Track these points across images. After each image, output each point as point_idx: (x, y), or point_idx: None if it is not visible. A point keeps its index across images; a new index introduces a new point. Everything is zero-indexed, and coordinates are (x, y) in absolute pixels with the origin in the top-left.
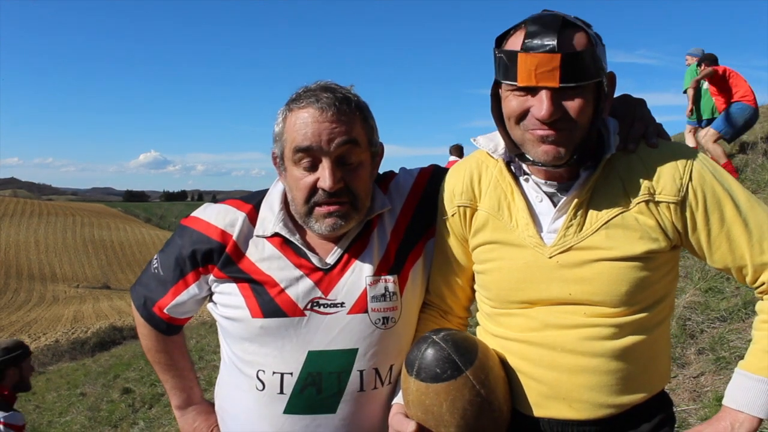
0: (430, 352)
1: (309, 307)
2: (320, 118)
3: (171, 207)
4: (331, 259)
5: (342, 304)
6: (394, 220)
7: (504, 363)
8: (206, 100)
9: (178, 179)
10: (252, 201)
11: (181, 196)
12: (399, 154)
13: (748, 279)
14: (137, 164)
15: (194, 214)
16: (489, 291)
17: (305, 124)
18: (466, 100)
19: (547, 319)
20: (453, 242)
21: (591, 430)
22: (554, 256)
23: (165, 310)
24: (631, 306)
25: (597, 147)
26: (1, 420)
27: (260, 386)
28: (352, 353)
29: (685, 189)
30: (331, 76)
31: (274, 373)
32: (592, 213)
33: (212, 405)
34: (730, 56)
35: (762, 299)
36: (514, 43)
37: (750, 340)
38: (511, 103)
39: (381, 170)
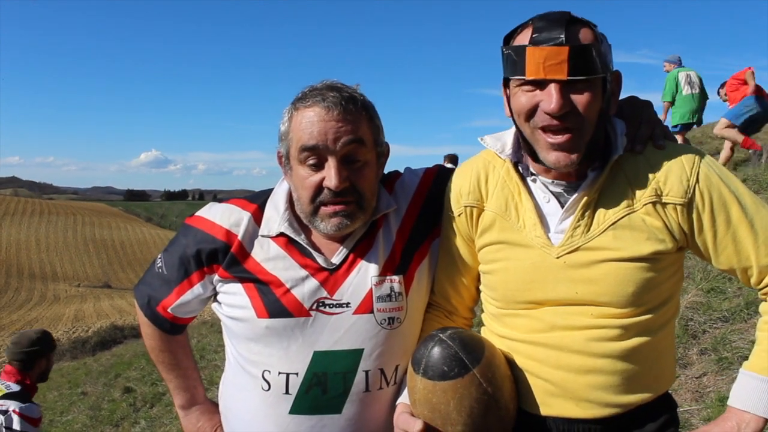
0: (437, 350)
1: (314, 307)
2: (326, 117)
3: (172, 206)
4: (336, 259)
5: (347, 305)
6: (400, 220)
7: (510, 362)
8: (208, 99)
9: (180, 178)
10: (257, 201)
11: (182, 195)
12: (399, 154)
13: (753, 280)
14: (138, 163)
15: (199, 213)
16: (495, 291)
17: (311, 123)
18: (466, 100)
19: (553, 320)
20: (459, 242)
21: (597, 428)
22: (562, 256)
23: (169, 310)
24: (637, 307)
25: (604, 148)
26: (17, 410)
27: (266, 386)
28: (357, 353)
29: (692, 190)
30: (332, 76)
31: (279, 373)
32: (599, 213)
33: (215, 405)
34: (731, 56)
35: (766, 300)
36: (522, 38)
37: (753, 341)
38: (520, 99)
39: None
